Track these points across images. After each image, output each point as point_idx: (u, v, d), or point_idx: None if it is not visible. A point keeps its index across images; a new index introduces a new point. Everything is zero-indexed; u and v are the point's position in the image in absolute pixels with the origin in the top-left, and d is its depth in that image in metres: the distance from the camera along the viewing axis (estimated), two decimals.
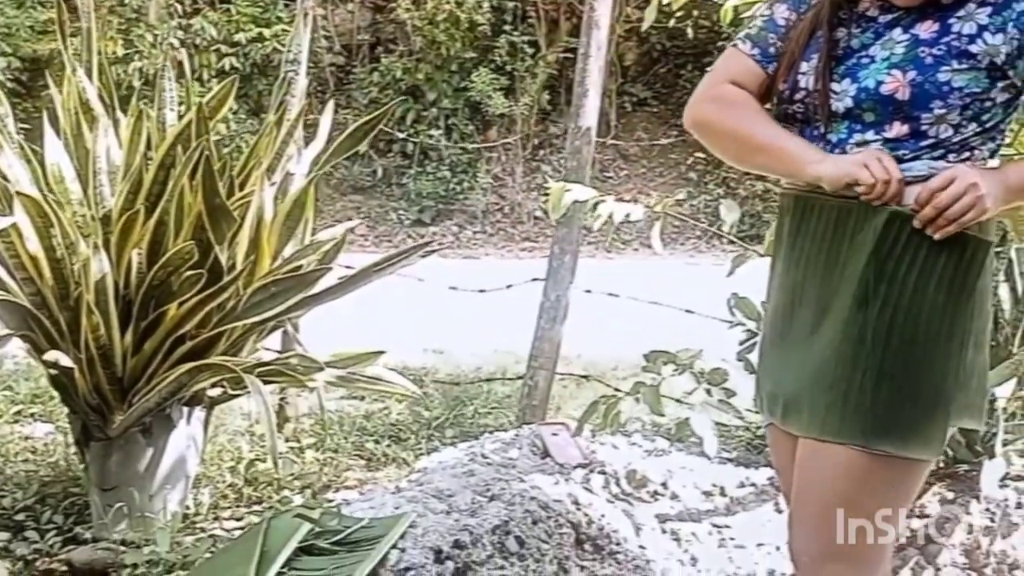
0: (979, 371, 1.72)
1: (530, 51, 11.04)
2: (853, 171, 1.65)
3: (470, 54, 10.96)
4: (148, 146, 2.80)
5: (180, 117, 2.88)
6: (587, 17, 3.51)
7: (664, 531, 2.73)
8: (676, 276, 7.34)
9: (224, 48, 10.48)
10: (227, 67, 10.23)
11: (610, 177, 11.01)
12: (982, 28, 1.64)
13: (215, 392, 2.95)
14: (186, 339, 2.67)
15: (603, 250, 10.09)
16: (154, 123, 2.87)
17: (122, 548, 2.66)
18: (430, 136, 10.86)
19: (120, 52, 9.92)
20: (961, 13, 1.66)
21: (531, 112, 11.01)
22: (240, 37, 10.60)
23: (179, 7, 10.62)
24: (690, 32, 9.99)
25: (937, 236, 1.63)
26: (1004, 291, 3.03)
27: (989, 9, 1.65)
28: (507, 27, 11.06)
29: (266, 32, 10.50)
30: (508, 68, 10.98)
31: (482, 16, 10.76)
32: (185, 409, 2.88)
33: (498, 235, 10.65)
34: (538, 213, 10.67)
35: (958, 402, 1.68)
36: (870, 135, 1.68)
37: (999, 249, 2.89)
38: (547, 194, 3.07)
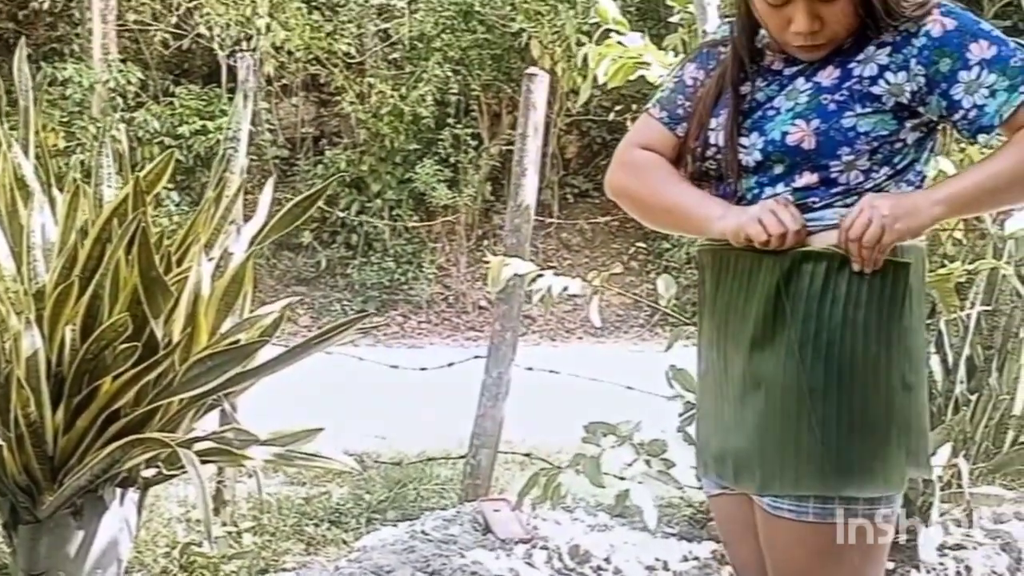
0: (917, 414, 1.69)
1: (473, 143, 11.20)
2: (746, 227, 1.64)
3: (414, 146, 11.09)
4: (85, 222, 2.78)
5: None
6: (524, 98, 3.58)
7: None
8: (619, 361, 7.38)
9: (168, 140, 10.50)
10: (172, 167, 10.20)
11: (553, 266, 11.10)
12: (883, 68, 1.64)
13: (149, 473, 2.88)
14: (120, 415, 2.61)
15: (547, 338, 10.13)
16: (91, 199, 2.85)
17: None
18: (374, 227, 10.90)
19: (61, 144, 9.89)
20: (861, 57, 1.66)
21: (474, 203, 11.12)
22: (183, 130, 10.63)
23: (122, 100, 10.65)
24: (629, 124, 10.16)
25: (866, 269, 1.61)
26: (935, 362, 3.10)
27: (888, 48, 1.65)
28: (450, 120, 11.22)
29: (210, 125, 10.54)
30: (452, 160, 11.12)
31: (426, 109, 10.91)
32: (118, 490, 2.80)
33: (443, 324, 10.65)
34: (483, 303, 10.71)
35: (903, 444, 1.65)
36: (780, 187, 1.68)
37: (928, 321, 2.96)
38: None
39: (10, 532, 2.77)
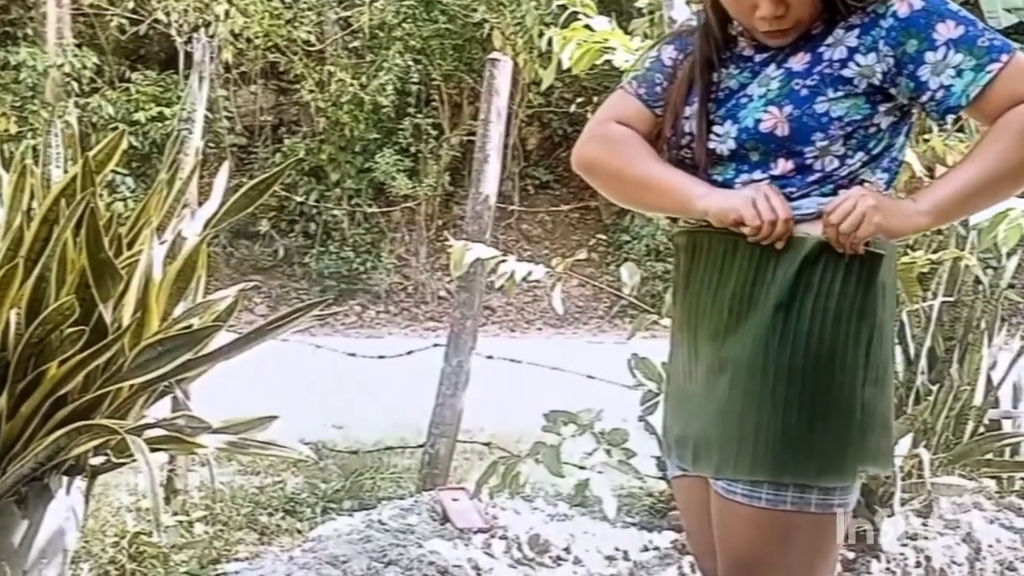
0: (882, 410, 1.68)
1: (434, 133, 11.13)
2: (740, 209, 1.61)
3: (374, 135, 11.01)
4: (31, 202, 2.69)
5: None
6: (487, 84, 3.53)
7: None
8: (579, 352, 7.36)
9: (123, 127, 10.30)
10: (126, 146, 10.05)
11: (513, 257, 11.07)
12: (852, 51, 1.63)
13: (97, 460, 2.80)
14: (67, 401, 2.53)
15: (507, 328, 10.10)
16: (39, 179, 2.76)
17: None
18: (332, 216, 10.80)
19: (13, 129, 9.70)
20: (830, 40, 1.65)
21: (434, 193, 11.05)
22: (140, 116, 10.47)
23: (77, 86, 10.46)
24: (590, 115, 10.15)
25: (847, 252, 1.60)
26: (897, 353, 3.09)
27: (857, 31, 1.63)
28: (411, 110, 11.15)
29: (166, 111, 10.38)
30: (412, 150, 11.05)
31: (386, 98, 10.83)
32: (64, 479, 2.72)
33: (402, 315, 10.58)
34: (442, 293, 10.66)
35: (864, 439, 1.64)
36: (757, 174, 1.67)
37: None
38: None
39: None
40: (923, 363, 3.10)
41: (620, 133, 1.77)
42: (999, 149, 1.58)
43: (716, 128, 1.69)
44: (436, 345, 3.74)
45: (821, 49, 1.65)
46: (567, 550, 2.79)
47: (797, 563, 1.68)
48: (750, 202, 1.61)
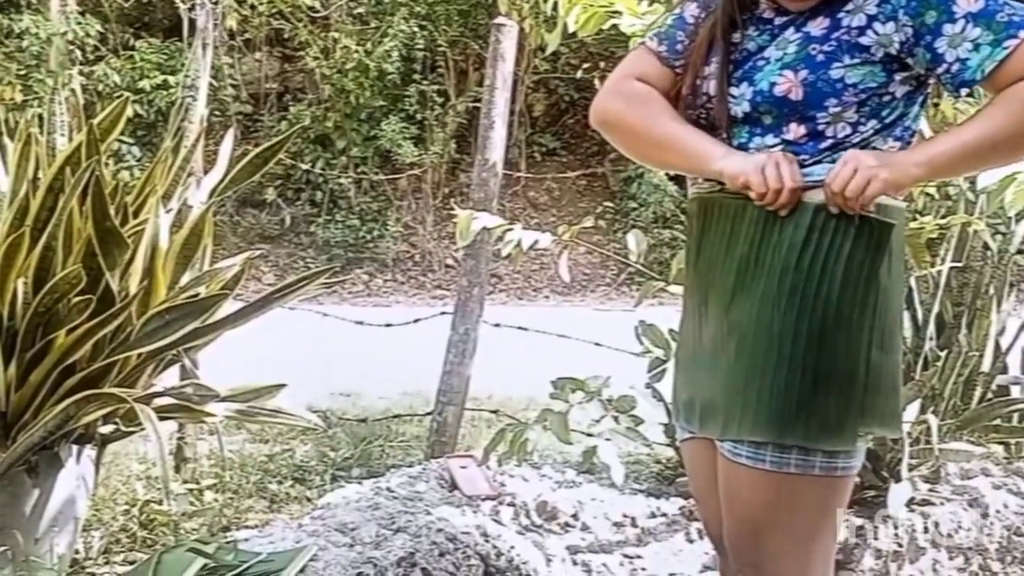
0: (889, 374, 1.69)
1: (439, 100, 11.09)
2: (748, 174, 1.62)
3: (379, 103, 10.97)
4: (37, 171, 2.69)
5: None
6: (493, 49, 3.50)
7: (575, 563, 2.68)
8: (586, 320, 7.36)
9: (128, 95, 10.29)
10: (131, 114, 10.03)
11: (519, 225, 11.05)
12: (871, 19, 1.63)
13: (107, 429, 2.81)
14: (75, 369, 2.54)
15: (514, 296, 10.09)
16: (43, 148, 2.75)
17: None
18: (339, 184, 10.78)
19: (19, 98, 9.66)
20: (850, 7, 1.65)
21: (441, 161, 11.01)
22: (144, 84, 10.44)
23: (81, 53, 10.41)
24: (597, 83, 10.09)
25: (858, 213, 1.61)
26: (905, 319, 3.08)
27: None
28: (417, 76, 11.10)
29: (171, 79, 10.34)
30: (418, 117, 11.01)
31: (391, 65, 10.77)
32: (74, 447, 2.73)
33: (409, 283, 10.58)
34: (449, 261, 10.65)
35: (870, 401, 1.66)
36: (770, 138, 1.67)
37: None
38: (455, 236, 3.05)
39: None
40: (931, 329, 3.09)
41: (640, 90, 1.77)
42: (1002, 113, 1.58)
43: (732, 90, 1.70)
44: (443, 313, 3.74)
45: (840, 15, 1.64)
46: (575, 517, 2.80)
47: (801, 525, 1.69)
48: (760, 168, 1.62)
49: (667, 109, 1.75)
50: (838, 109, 1.63)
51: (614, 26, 3.00)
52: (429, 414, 3.67)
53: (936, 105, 2.87)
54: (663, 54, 1.79)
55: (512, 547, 2.57)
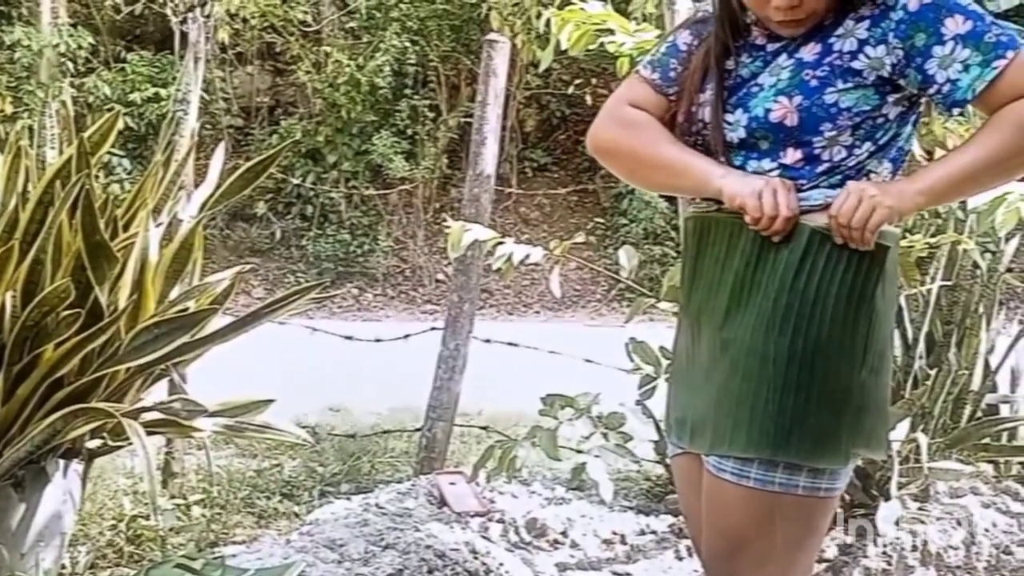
0: (877, 397, 1.70)
1: (431, 115, 11.10)
2: (745, 198, 1.64)
3: (371, 117, 10.98)
4: (26, 184, 2.68)
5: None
6: (485, 65, 3.51)
7: None
8: (577, 336, 7.35)
9: (119, 107, 10.27)
10: (121, 127, 10.01)
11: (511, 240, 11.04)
12: (862, 43, 1.64)
13: (94, 444, 2.80)
14: (63, 384, 2.52)
15: (505, 312, 10.09)
16: (33, 160, 2.75)
17: None
18: (330, 198, 10.78)
19: (9, 110, 9.65)
20: (840, 31, 1.66)
21: (432, 176, 11.02)
22: (135, 97, 10.43)
23: (72, 66, 10.41)
24: (589, 99, 10.17)
25: (861, 248, 1.62)
26: (895, 337, 3.08)
27: (867, 23, 1.65)
28: (408, 91, 11.12)
29: (162, 92, 10.34)
30: (409, 132, 11.02)
31: (383, 80, 10.79)
32: (61, 462, 2.72)
33: (399, 298, 10.58)
34: (440, 276, 10.65)
35: (859, 423, 1.66)
36: (766, 163, 1.69)
37: None
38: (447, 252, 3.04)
39: None
40: (921, 347, 3.10)
41: (636, 116, 1.80)
42: (997, 137, 1.60)
43: (727, 116, 1.71)
44: (434, 328, 3.73)
45: (831, 40, 1.66)
46: (564, 534, 2.79)
47: (781, 545, 1.69)
48: (757, 193, 1.64)
49: (663, 133, 1.77)
50: (833, 133, 1.65)
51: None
52: (418, 430, 3.66)
53: (926, 124, 2.89)
54: (656, 82, 1.81)
55: (501, 564, 2.56)
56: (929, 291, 3.08)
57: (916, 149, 2.70)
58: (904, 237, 2.87)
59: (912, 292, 3.06)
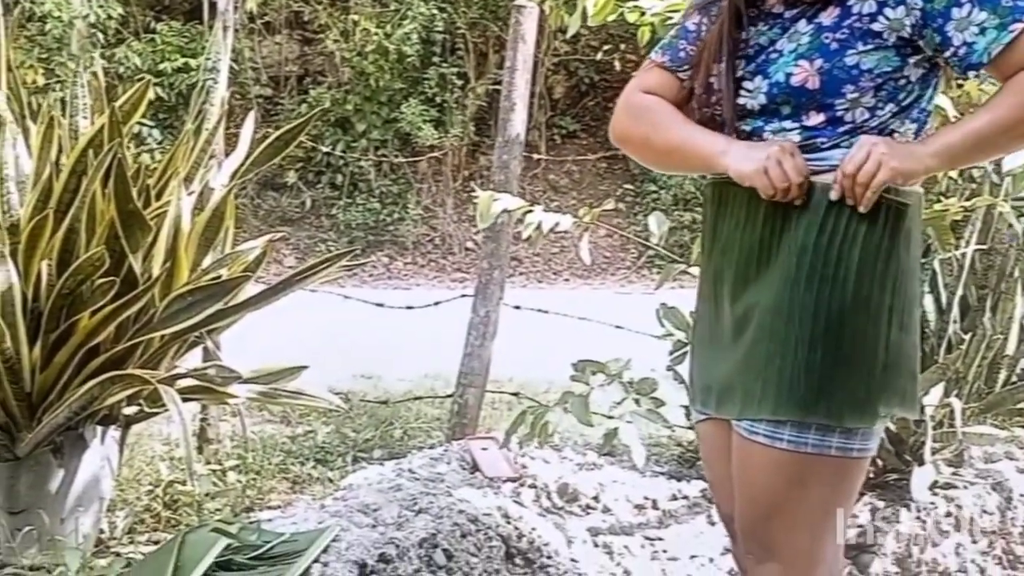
0: (907, 354, 1.70)
1: (459, 83, 11.05)
2: (753, 179, 1.66)
3: (399, 85, 10.94)
4: (59, 154, 2.70)
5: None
6: (513, 31, 3.49)
7: (596, 544, 2.69)
8: (606, 302, 7.35)
9: (149, 78, 10.31)
10: (151, 97, 10.04)
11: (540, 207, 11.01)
12: (881, 5, 1.64)
13: (130, 410, 2.83)
14: (99, 351, 2.56)
15: (534, 279, 10.09)
16: (66, 130, 2.77)
17: (30, 573, 2.53)
18: (360, 166, 10.79)
19: (40, 81, 9.70)
20: None
21: (461, 143, 10.99)
22: (165, 67, 10.45)
23: (102, 36, 10.44)
24: (617, 65, 10.09)
25: (861, 208, 1.63)
26: (929, 302, 3.06)
27: None
28: (436, 59, 11.06)
29: (192, 62, 10.35)
30: (437, 100, 10.98)
31: (411, 48, 10.74)
32: (99, 428, 2.76)
33: (429, 266, 10.59)
34: (469, 244, 10.64)
35: (890, 382, 1.67)
36: (788, 124, 1.69)
37: (923, 260, 2.92)
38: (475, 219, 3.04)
39: None
40: (955, 312, 3.07)
41: (645, 102, 1.83)
42: (1012, 102, 1.61)
43: (746, 84, 1.72)
44: (464, 296, 3.74)
45: (851, 3, 1.66)
46: (596, 499, 2.81)
47: (814, 507, 1.70)
48: (762, 171, 1.65)
49: (672, 115, 1.80)
50: (855, 95, 1.65)
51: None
52: (450, 396, 3.68)
53: (960, 86, 2.85)
54: (666, 63, 1.84)
55: (533, 529, 2.58)
56: (964, 255, 3.05)
57: (951, 112, 2.67)
58: (938, 200, 2.85)
59: (947, 256, 3.04)
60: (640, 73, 1.89)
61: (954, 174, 2.99)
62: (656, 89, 1.82)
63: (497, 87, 10.40)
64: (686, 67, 1.80)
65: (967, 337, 3.00)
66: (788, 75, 1.66)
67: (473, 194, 3.09)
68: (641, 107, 1.83)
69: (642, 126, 1.82)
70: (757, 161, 1.65)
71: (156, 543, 2.88)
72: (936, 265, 3.07)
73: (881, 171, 1.60)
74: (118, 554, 2.79)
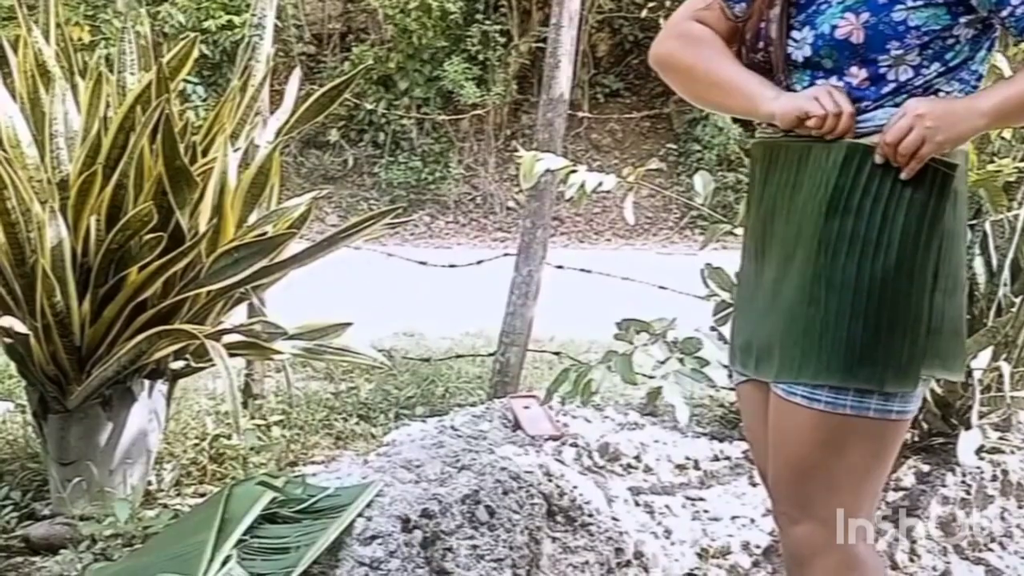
0: (951, 316, 1.67)
1: (502, 40, 10.98)
2: (803, 104, 1.62)
3: (442, 43, 10.89)
4: (107, 110, 2.72)
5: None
6: None
7: (637, 503, 2.69)
8: (649, 262, 7.32)
9: (195, 35, 10.33)
10: (196, 54, 10.07)
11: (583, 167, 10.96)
12: None
13: (177, 365, 2.88)
14: (147, 306, 2.59)
15: (576, 239, 10.06)
16: (114, 86, 2.79)
17: (80, 523, 2.58)
18: (402, 125, 10.78)
19: (87, 39, 9.77)
20: None
21: (503, 102, 10.94)
22: (210, 24, 10.48)
23: None
24: (662, 22, 9.94)
25: (903, 175, 1.60)
26: (979, 264, 3.01)
27: None
28: (479, 16, 10.99)
29: (236, 19, 10.37)
30: (480, 57, 10.92)
31: (454, 5, 10.68)
32: (146, 382, 2.80)
33: (470, 225, 10.59)
34: (511, 203, 10.62)
35: (933, 344, 1.64)
36: (832, 80, 1.65)
37: (974, 222, 2.87)
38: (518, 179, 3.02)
39: (40, 422, 2.78)
40: (1006, 274, 3.01)
41: (698, 31, 1.78)
42: None
43: (794, 33, 1.69)
44: (506, 255, 3.74)
45: None
46: (637, 458, 2.80)
47: (851, 469, 1.68)
48: (814, 97, 1.62)
49: (723, 51, 1.75)
50: (900, 52, 1.61)
51: None
52: (492, 355, 3.69)
53: (1017, 43, 2.78)
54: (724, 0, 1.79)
55: (575, 487, 2.58)
56: (1016, 217, 2.99)
57: (1007, 71, 2.61)
58: (991, 161, 2.79)
59: (998, 218, 2.98)
60: (692, 2, 1.83)
61: (1007, 134, 2.93)
62: (709, 21, 1.78)
63: (540, 45, 10.33)
64: (741, 5, 1.76)
65: (1017, 300, 2.95)
66: (833, 27, 1.62)
67: (515, 153, 3.07)
68: (693, 35, 1.77)
69: (690, 54, 1.77)
70: (807, 94, 1.63)
71: (202, 495, 2.93)
72: (987, 227, 3.00)
73: (926, 146, 1.56)
74: (165, 506, 2.84)
